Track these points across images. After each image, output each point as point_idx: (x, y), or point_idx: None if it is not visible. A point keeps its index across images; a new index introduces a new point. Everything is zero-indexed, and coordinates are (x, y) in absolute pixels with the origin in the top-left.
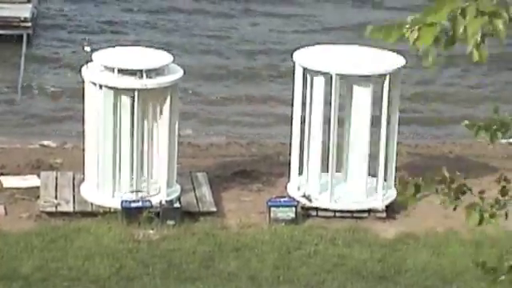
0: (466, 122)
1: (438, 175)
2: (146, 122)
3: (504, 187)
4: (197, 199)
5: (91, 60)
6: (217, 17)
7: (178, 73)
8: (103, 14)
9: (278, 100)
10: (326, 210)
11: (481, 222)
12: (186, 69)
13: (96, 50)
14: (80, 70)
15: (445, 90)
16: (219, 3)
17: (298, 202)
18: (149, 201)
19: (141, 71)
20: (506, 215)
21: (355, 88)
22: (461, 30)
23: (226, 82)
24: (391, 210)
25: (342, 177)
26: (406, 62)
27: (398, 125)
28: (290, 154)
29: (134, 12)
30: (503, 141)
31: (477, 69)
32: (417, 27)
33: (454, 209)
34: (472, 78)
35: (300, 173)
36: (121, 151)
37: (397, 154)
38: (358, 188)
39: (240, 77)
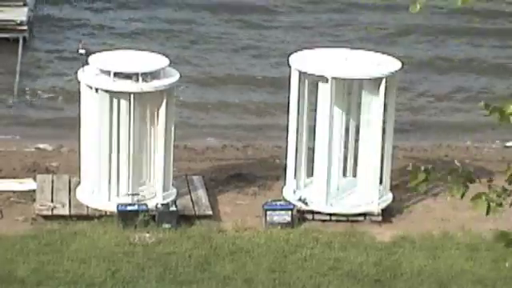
0: (482, 102)
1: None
2: (141, 126)
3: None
4: (193, 202)
5: (87, 63)
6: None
7: (174, 76)
8: (99, 18)
9: (275, 103)
10: (321, 213)
11: (488, 210)
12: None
13: (92, 53)
14: (76, 73)
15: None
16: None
17: (293, 205)
18: (145, 204)
19: (137, 74)
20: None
21: (352, 91)
22: None
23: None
24: (387, 214)
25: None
26: (403, 66)
27: (394, 128)
28: (286, 158)
29: (130, 18)
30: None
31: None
32: None
33: (462, 196)
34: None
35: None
36: (117, 155)
37: (392, 158)
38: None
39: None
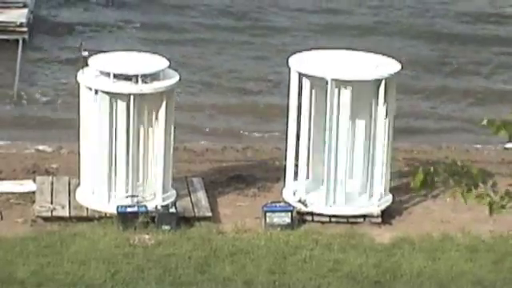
0: (485, 120)
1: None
2: (141, 127)
3: None
4: (192, 204)
5: (87, 65)
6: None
7: (173, 78)
8: (99, 20)
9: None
10: (321, 215)
11: (491, 211)
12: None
13: (92, 54)
14: (76, 75)
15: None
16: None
17: (293, 207)
18: (144, 206)
19: (136, 76)
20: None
21: (351, 92)
22: None
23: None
24: (387, 215)
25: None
26: (403, 68)
27: (394, 130)
28: (285, 159)
29: (130, 21)
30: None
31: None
32: None
33: (466, 202)
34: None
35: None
36: (116, 156)
37: (392, 159)
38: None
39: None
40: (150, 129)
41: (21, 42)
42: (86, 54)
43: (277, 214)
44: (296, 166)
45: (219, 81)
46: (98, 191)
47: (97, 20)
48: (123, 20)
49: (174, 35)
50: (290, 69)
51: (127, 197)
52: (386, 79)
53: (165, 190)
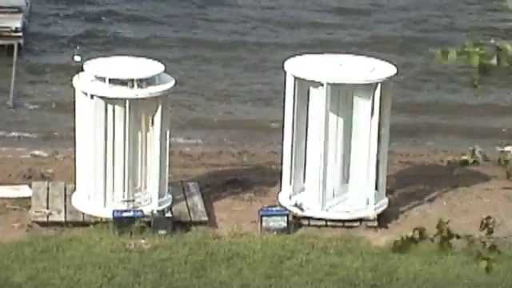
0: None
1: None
2: (137, 132)
3: (487, 226)
4: (188, 209)
5: (82, 70)
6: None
7: (169, 82)
8: (94, 25)
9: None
10: (317, 219)
11: (488, 269)
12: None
13: (87, 59)
14: (71, 80)
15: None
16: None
17: (289, 211)
18: (140, 210)
19: (132, 81)
20: (499, 252)
21: (346, 96)
22: None
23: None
24: (383, 219)
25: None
26: (397, 72)
27: (389, 133)
28: (281, 164)
29: (126, 26)
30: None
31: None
32: None
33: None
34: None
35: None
36: (112, 161)
37: (388, 163)
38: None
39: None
40: (146, 133)
41: (16, 46)
42: (78, 58)
43: (273, 218)
44: (292, 169)
45: (216, 84)
46: (94, 196)
47: (93, 26)
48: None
49: (172, 42)
50: (285, 72)
51: (123, 201)
52: (381, 83)
53: (161, 195)
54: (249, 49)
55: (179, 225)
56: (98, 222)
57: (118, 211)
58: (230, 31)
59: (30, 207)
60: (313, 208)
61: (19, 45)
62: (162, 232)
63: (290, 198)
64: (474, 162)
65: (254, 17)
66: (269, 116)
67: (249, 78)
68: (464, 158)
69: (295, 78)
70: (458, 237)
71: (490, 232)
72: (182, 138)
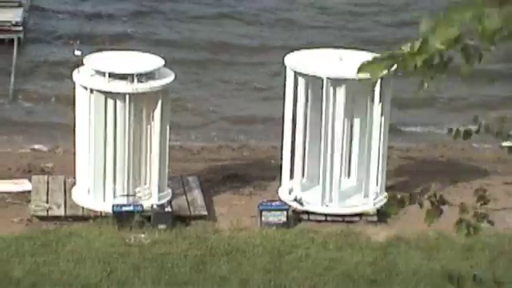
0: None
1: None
2: (136, 126)
3: (482, 197)
4: (188, 203)
5: (82, 64)
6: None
7: (169, 77)
8: (94, 19)
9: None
10: (317, 213)
11: (468, 234)
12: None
13: (87, 54)
14: (71, 74)
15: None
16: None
17: (289, 205)
18: (140, 205)
19: (132, 75)
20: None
21: (346, 91)
22: None
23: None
24: (382, 214)
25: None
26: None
27: (389, 128)
28: (281, 158)
29: (125, 22)
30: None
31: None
32: None
33: (429, 224)
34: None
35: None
36: (112, 155)
37: (388, 158)
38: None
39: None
40: (146, 128)
41: (16, 41)
42: (78, 53)
43: (272, 212)
44: (291, 164)
45: (216, 79)
46: (94, 190)
47: (93, 20)
48: (120, 22)
49: (171, 38)
50: (285, 67)
51: (123, 196)
52: (381, 78)
53: (160, 189)
54: (249, 46)
55: (179, 219)
56: (97, 217)
57: (117, 205)
58: (229, 26)
59: (29, 201)
60: (312, 203)
61: (19, 39)
62: (162, 226)
63: (289, 192)
64: (478, 131)
65: (254, 17)
66: (269, 110)
67: (249, 72)
68: (465, 128)
69: (295, 73)
70: (450, 204)
71: (485, 203)
72: (181, 132)
